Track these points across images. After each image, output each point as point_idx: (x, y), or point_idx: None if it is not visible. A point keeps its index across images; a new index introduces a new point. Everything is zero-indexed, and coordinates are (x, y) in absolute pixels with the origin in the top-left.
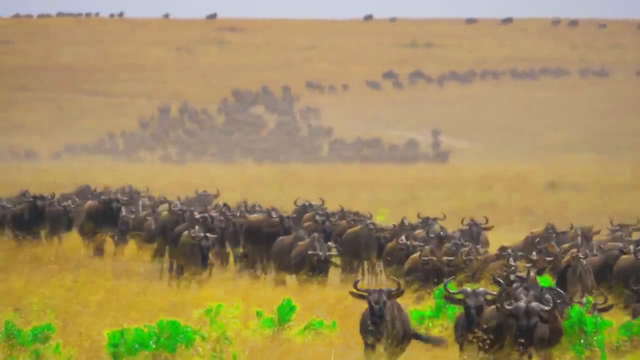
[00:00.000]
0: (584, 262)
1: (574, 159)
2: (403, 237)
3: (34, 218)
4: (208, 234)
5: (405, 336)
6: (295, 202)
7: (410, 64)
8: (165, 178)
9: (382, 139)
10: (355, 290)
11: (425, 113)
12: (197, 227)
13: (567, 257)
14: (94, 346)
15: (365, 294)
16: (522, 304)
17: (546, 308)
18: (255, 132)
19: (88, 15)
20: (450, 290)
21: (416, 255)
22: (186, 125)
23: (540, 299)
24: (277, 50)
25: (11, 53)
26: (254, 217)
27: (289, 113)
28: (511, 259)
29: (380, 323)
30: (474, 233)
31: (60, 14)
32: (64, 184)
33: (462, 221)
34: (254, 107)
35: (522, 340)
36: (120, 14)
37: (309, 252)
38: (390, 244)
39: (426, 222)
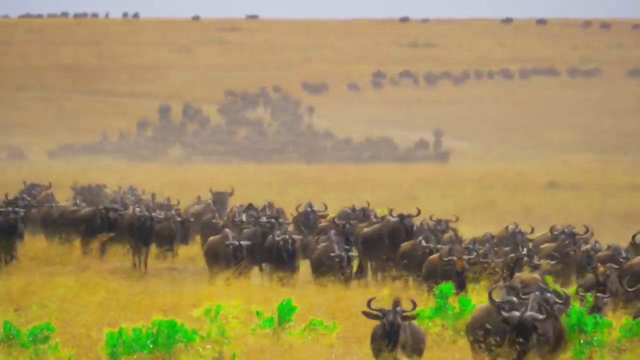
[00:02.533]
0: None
1: (574, 159)
2: (423, 240)
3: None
4: (242, 242)
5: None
6: (297, 208)
7: (410, 64)
8: (165, 178)
9: (382, 139)
10: (368, 310)
11: (426, 113)
12: (230, 233)
13: (602, 269)
14: (94, 346)
15: (379, 314)
16: (516, 313)
17: (540, 317)
18: (255, 132)
19: (95, 15)
20: (496, 300)
21: (434, 256)
22: (186, 125)
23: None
24: (277, 51)
25: (11, 53)
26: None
27: (289, 113)
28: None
29: (395, 343)
30: (519, 240)
31: (64, 14)
32: (64, 184)
33: (506, 228)
34: (253, 107)
35: (520, 343)
36: (135, 15)
37: (331, 255)
38: (405, 245)
39: (440, 224)
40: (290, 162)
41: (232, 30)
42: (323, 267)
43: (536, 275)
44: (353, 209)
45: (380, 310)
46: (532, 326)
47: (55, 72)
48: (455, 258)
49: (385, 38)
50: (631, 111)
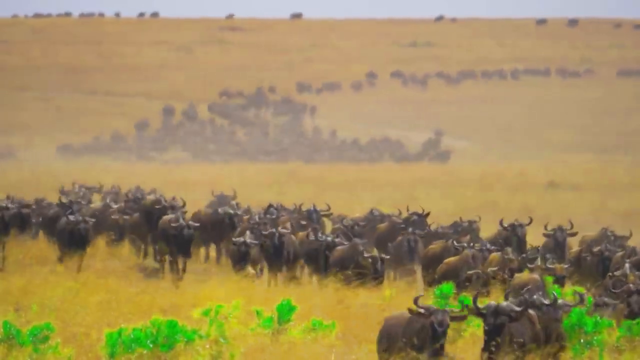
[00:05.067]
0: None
1: (574, 159)
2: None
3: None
4: (249, 241)
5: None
6: (299, 208)
7: (410, 64)
8: (165, 178)
9: (383, 138)
10: (415, 308)
11: (426, 113)
12: (248, 234)
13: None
14: (94, 346)
15: (426, 313)
16: (493, 303)
17: (517, 309)
18: (255, 132)
19: (101, 15)
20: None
21: (451, 259)
22: (186, 125)
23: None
24: (277, 50)
25: (11, 53)
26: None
27: (289, 113)
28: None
29: (442, 345)
30: (559, 239)
31: (67, 13)
32: (64, 185)
33: (545, 227)
34: (253, 107)
35: (491, 339)
36: (141, 14)
37: (365, 256)
38: (434, 248)
39: (460, 225)
40: (291, 162)
41: (232, 30)
42: (341, 269)
43: (535, 275)
44: (374, 213)
45: (427, 309)
46: (508, 316)
47: (55, 72)
48: (480, 272)
49: (385, 38)
50: (631, 111)
